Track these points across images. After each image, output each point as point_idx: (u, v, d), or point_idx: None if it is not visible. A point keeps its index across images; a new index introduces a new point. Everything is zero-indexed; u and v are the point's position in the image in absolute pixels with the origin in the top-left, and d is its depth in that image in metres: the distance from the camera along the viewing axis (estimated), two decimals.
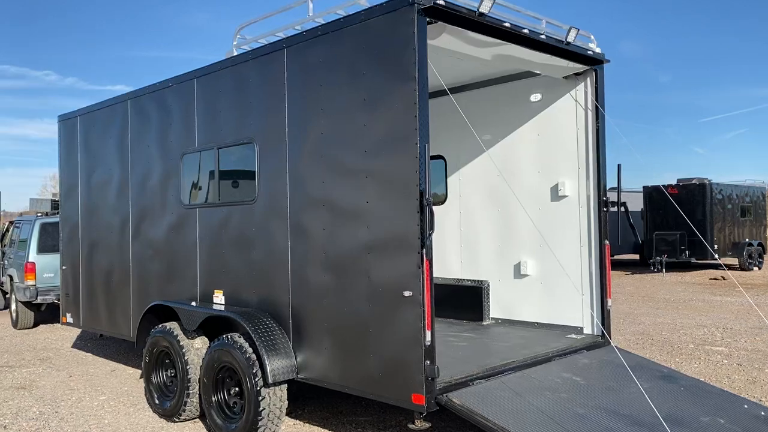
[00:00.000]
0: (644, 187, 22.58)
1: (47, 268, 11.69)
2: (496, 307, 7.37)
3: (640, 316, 12.66)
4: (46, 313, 12.82)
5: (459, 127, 7.67)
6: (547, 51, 5.92)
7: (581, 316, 6.59)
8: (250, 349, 5.57)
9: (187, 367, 6.24)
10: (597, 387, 5.21)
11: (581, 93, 6.57)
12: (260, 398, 5.47)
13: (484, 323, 7.33)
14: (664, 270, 20.95)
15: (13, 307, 12.19)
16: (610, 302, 6.40)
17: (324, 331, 5.34)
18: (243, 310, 5.90)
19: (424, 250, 4.61)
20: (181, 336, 6.40)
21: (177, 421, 6.43)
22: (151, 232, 7.33)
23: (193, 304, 6.47)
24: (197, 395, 6.22)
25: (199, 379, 6.15)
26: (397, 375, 4.78)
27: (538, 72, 6.64)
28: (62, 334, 11.58)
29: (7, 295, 13.04)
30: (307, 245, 5.49)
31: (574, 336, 6.45)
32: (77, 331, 11.65)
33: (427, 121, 4.68)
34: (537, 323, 6.96)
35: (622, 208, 6.46)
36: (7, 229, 13.87)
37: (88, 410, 6.99)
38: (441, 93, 7.75)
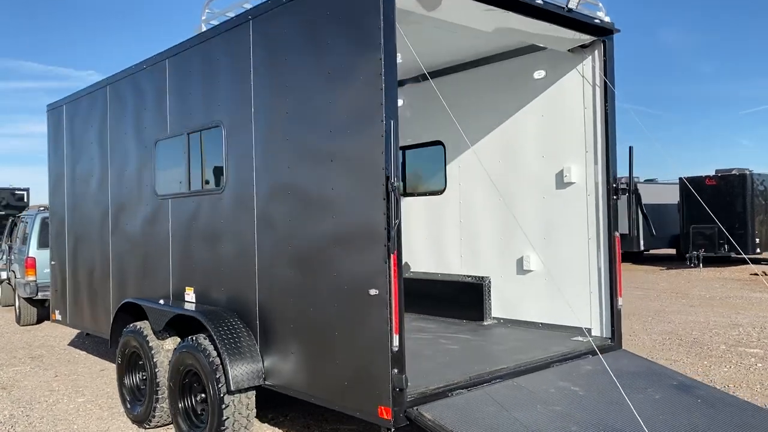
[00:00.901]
0: (680, 178, 21.48)
1: (48, 263, 11.40)
2: (498, 306, 6.73)
3: (670, 314, 11.83)
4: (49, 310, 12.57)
5: (459, 109, 7.04)
6: (549, 20, 5.26)
7: (589, 317, 5.91)
8: (214, 353, 5.06)
9: (156, 369, 5.77)
10: (598, 399, 4.55)
11: (588, 68, 5.88)
12: (223, 406, 4.96)
13: (485, 323, 6.71)
14: (701, 265, 19.90)
15: (17, 303, 11.96)
16: (620, 301, 5.72)
17: (290, 334, 4.80)
18: (208, 309, 5.40)
19: (391, 242, 4.02)
20: (151, 336, 5.94)
21: (147, 428, 5.97)
22: (129, 225, 6.89)
23: (161, 302, 5.99)
24: (167, 400, 5.74)
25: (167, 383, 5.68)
26: (363, 385, 4.21)
27: (541, 45, 5.97)
28: (63, 332, 11.30)
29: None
30: (273, 238, 4.95)
31: (579, 339, 5.78)
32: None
33: (395, 95, 4.09)
34: (541, 324, 6.31)
35: (636, 197, 5.76)
36: (15, 224, 13.69)
37: (61, 414, 6.59)
38: (439, 72, 7.14)
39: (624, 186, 5.76)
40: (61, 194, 8.38)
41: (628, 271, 19.95)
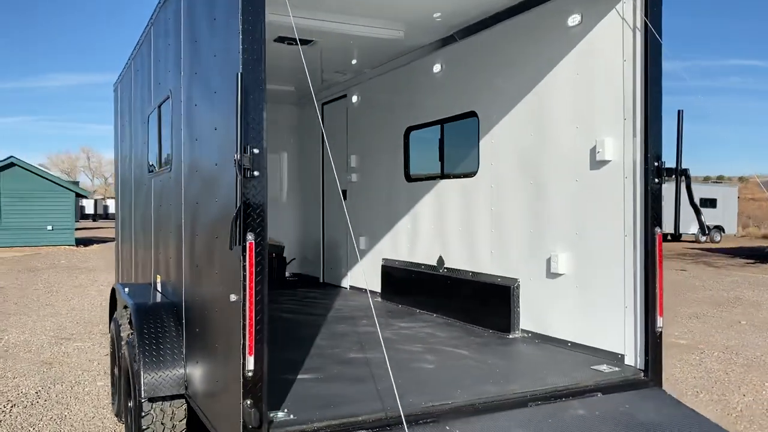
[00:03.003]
0: None
1: None
2: (527, 316, 5.41)
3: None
4: None
5: (492, 72, 5.77)
6: None
7: (623, 339, 4.45)
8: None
9: (121, 362, 5.32)
10: None
11: (629, 6, 4.37)
12: (143, 414, 4.33)
13: (510, 336, 5.42)
14: None
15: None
16: (660, 322, 4.21)
17: (197, 338, 4.04)
18: (143, 303, 4.80)
19: (250, 232, 3.08)
20: (125, 326, 5.50)
21: (122, 422, 5.57)
22: (138, 204, 6.56)
23: (126, 290, 5.52)
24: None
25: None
26: (227, 414, 3.33)
27: None
28: None
29: None
30: (190, 224, 4.21)
31: (603, 368, 4.36)
32: None
33: (261, 44, 3.11)
34: (570, 343, 4.92)
35: (683, 179, 4.13)
36: None
37: (73, 395, 6.48)
38: (470, 30, 5.92)
39: (672, 166, 4.21)
40: (117, 172, 8.37)
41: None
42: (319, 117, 9.29)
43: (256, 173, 3.07)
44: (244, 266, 3.06)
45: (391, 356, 4.71)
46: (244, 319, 3.07)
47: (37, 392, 6.62)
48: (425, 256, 6.78)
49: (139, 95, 6.44)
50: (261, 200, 3.09)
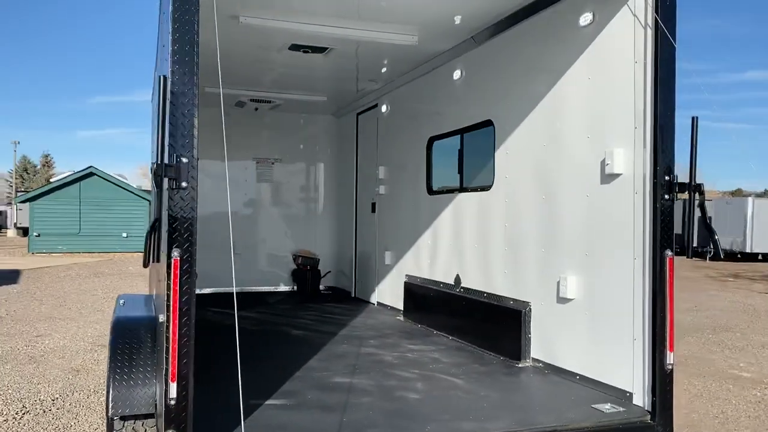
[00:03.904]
0: None
1: None
2: (538, 343, 4.94)
3: None
4: None
5: (508, 79, 5.37)
6: None
7: (631, 375, 3.95)
8: None
9: None
10: None
11: (641, 3, 3.90)
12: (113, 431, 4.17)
13: (520, 365, 4.97)
14: None
15: None
16: (671, 357, 3.69)
17: (159, 356, 3.84)
18: (123, 317, 4.66)
19: (176, 248, 2.85)
20: None
21: None
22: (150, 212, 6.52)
23: (122, 302, 5.41)
24: None
25: None
26: None
27: None
28: None
29: None
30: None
31: (605, 407, 3.86)
32: None
33: (192, 45, 2.88)
34: (579, 376, 4.43)
35: (697, 196, 3.57)
36: None
37: (86, 405, 6.48)
38: (489, 33, 5.56)
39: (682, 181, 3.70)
40: None
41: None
42: (355, 127, 9.08)
43: (183, 184, 2.84)
44: (169, 285, 2.83)
45: (380, 383, 4.39)
46: (168, 342, 2.83)
47: (53, 400, 6.65)
48: (444, 274, 6.40)
49: None
50: (189, 214, 2.85)
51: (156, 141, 2.79)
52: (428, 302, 6.61)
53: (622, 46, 4.07)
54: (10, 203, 55.90)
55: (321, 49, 6.29)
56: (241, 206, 9.67)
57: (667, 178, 3.73)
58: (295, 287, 9.66)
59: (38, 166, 76.61)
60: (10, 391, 6.94)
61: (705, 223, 3.61)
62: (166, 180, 2.77)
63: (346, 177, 9.54)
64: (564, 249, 4.63)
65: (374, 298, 8.31)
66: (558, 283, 4.64)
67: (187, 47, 2.87)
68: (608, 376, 4.15)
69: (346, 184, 9.52)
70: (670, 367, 3.70)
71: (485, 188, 5.70)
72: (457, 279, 6.11)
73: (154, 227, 2.78)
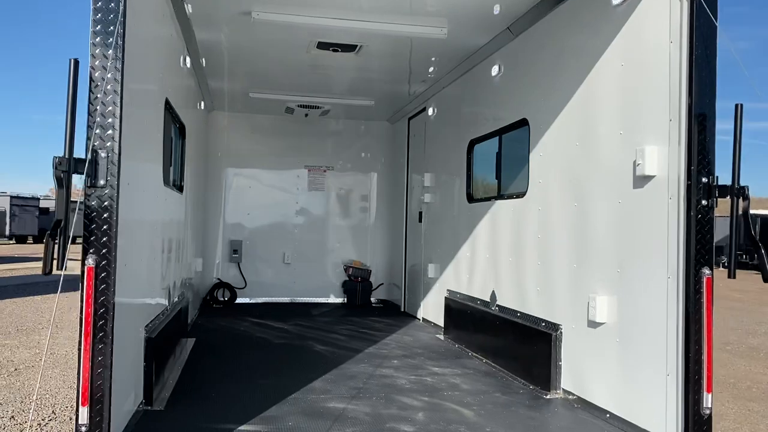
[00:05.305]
0: None
1: None
2: (569, 372, 4.29)
3: None
4: None
5: (541, 71, 4.79)
6: None
7: (664, 416, 3.28)
8: None
9: None
10: None
11: None
12: None
13: (548, 396, 4.34)
14: None
15: None
16: (709, 400, 3.01)
17: None
18: None
19: (91, 254, 2.52)
20: None
21: None
22: None
23: None
24: None
25: None
26: None
27: None
28: None
29: None
30: None
31: None
32: None
33: (115, 24, 2.56)
34: (609, 414, 3.77)
35: (741, 201, 2.84)
36: None
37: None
38: (524, 24, 5.02)
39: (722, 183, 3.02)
40: None
41: None
42: (407, 133, 8.64)
43: (101, 182, 2.51)
44: (82, 296, 2.50)
45: (377, 411, 3.92)
46: (79, 362, 2.50)
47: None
48: (480, 290, 5.83)
49: None
50: (107, 215, 2.51)
51: (65, 132, 2.47)
52: (466, 320, 6.05)
53: (657, 24, 3.43)
54: None
55: (351, 47, 5.92)
56: (292, 215, 9.44)
57: (705, 179, 3.06)
58: (345, 299, 9.30)
59: None
60: None
61: (749, 235, 2.91)
62: (74, 177, 2.45)
63: (397, 185, 9.11)
64: (594, 263, 3.99)
65: (420, 314, 7.81)
66: (588, 304, 3.99)
67: (110, 28, 2.55)
68: (638, 416, 3.48)
69: (397, 193, 9.09)
70: (707, 411, 3.02)
71: (520, 195, 5.11)
72: (493, 296, 5.52)
73: (56, 230, 2.46)
